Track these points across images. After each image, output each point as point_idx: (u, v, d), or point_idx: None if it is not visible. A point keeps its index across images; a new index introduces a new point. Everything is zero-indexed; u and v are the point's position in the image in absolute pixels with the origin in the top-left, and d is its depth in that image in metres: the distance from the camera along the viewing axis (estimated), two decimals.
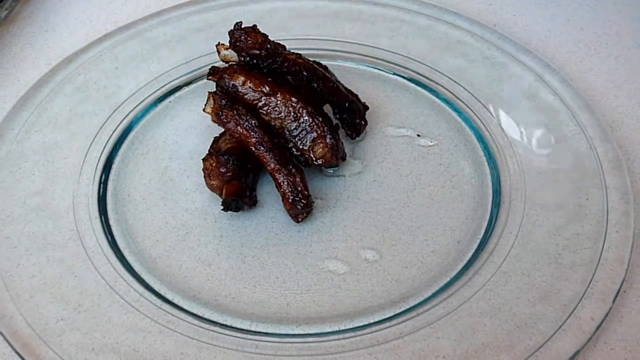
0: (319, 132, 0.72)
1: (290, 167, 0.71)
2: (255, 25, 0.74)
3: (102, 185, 0.76)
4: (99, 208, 0.73)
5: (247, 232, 0.72)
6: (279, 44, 0.75)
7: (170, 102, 0.86)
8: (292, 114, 0.72)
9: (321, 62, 0.79)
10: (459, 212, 0.74)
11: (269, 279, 0.68)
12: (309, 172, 0.75)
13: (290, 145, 0.73)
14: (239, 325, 0.64)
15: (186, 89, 0.87)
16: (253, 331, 0.64)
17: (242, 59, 0.74)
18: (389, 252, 0.70)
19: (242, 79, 0.73)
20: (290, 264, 0.70)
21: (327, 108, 0.78)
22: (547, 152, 0.76)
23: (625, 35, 0.97)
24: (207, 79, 0.77)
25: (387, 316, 0.64)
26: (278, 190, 0.72)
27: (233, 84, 0.73)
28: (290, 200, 0.71)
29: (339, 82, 0.78)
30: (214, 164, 0.72)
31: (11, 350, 0.61)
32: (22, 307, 0.64)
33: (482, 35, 0.91)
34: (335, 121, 0.78)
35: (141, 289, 0.66)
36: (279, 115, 0.72)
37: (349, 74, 0.87)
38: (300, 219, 0.72)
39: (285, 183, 0.71)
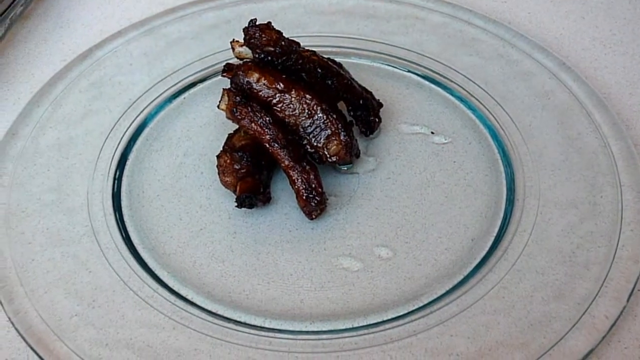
0: (333, 129, 0.72)
1: (304, 164, 0.71)
2: (269, 22, 0.75)
3: (116, 182, 0.76)
4: (113, 204, 0.74)
5: (261, 229, 0.73)
6: (293, 41, 0.75)
7: (184, 98, 0.86)
8: (307, 111, 0.72)
9: (335, 59, 0.79)
10: (472, 210, 0.74)
11: (282, 275, 0.68)
12: (323, 169, 0.75)
13: (305, 142, 0.73)
14: (252, 322, 0.64)
15: (200, 85, 0.88)
16: (267, 328, 0.64)
17: (257, 55, 0.74)
18: (403, 249, 0.70)
19: (256, 75, 0.73)
20: (304, 260, 0.70)
21: (342, 105, 0.78)
22: (562, 150, 0.76)
23: None
24: (222, 76, 0.77)
25: (400, 314, 0.64)
26: (292, 187, 0.72)
27: (247, 81, 0.73)
28: (304, 197, 0.71)
29: (353, 79, 0.78)
30: (228, 161, 0.72)
31: (26, 346, 0.62)
32: (37, 302, 0.64)
33: (497, 32, 0.91)
34: (349, 118, 0.78)
35: (155, 285, 0.67)
36: (293, 112, 0.73)
37: (363, 71, 0.87)
38: (314, 216, 0.72)
39: (299, 180, 0.71)
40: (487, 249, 0.69)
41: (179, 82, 0.87)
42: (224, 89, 0.74)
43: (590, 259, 0.66)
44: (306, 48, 0.76)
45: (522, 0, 1.02)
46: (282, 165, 0.71)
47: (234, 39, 0.76)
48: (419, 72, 0.88)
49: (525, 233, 0.69)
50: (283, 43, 0.74)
